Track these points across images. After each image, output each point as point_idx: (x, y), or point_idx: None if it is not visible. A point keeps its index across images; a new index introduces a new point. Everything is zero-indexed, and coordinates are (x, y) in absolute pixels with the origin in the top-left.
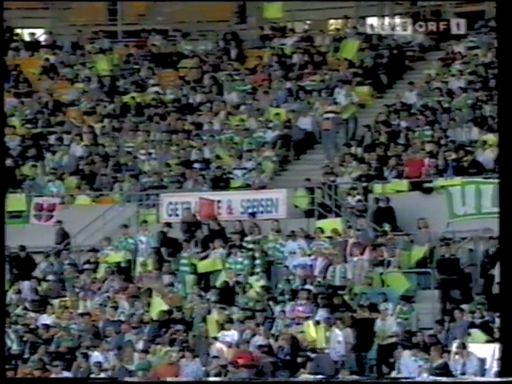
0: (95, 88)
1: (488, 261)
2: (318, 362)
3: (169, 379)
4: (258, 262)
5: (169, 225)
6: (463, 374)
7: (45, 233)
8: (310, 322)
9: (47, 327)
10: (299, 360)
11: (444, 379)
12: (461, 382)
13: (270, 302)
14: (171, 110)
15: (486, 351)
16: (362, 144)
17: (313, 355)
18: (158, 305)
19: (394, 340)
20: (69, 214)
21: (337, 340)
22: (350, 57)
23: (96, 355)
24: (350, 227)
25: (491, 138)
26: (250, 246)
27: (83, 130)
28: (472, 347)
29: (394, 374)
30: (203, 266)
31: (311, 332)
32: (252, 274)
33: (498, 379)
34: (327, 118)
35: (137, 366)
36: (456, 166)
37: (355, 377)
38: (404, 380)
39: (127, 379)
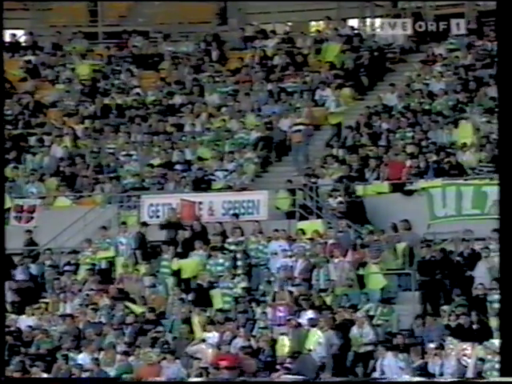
0: (76, 89)
1: (467, 262)
2: (300, 364)
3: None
4: (239, 263)
5: (145, 224)
6: (441, 374)
7: (24, 234)
8: (285, 338)
9: (29, 329)
10: (280, 361)
11: (444, 380)
12: (461, 382)
13: (253, 304)
14: (152, 112)
15: (464, 351)
16: (343, 146)
17: (290, 360)
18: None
19: (370, 348)
20: (49, 215)
21: (318, 342)
22: (331, 59)
23: (81, 357)
24: (331, 228)
25: (470, 139)
26: (232, 247)
27: (64, 131)
28: (450, 347)
29: (376, 375)
30: (186, 268)
31: (284, 347)
32: (234, 275)
33: (498, 379)
34: (298, 130)
35: (118, 368)
36: (437, 167)
37: (337, 378)
38: (394, 381)
39: (131, 380)
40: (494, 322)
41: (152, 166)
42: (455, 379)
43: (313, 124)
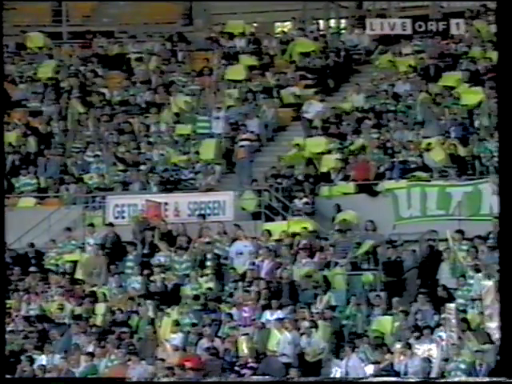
0: (40, 89)
1: (431, 263)
2: (265, 364)
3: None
4: (205, 263)
5: (111, 224)
6: (405, 374)
7: None
8: (243, 338)
9: None
10: (245, 362)
11: (441, 380)
12: (461, 382)
13: (220, 304)
14: (118, 112)
15: (429, 351)
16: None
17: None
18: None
19: (322, 356)
20: (13, 216)
21: (284, 342)
22: (298, 55)
23: (45, 358)
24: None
25: (435, 140)
26: (198, 247)
27: (28, 131)
28: (416, 347)
29: (340, 375)
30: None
31: (243, 347)
32: (202, 275)
33: (499, 379)
34: (242, 146)
35: (83, 369)
36: (402, 168)
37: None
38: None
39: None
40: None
41: (117, 166)
42: (449, 380)
43: (280, 124)
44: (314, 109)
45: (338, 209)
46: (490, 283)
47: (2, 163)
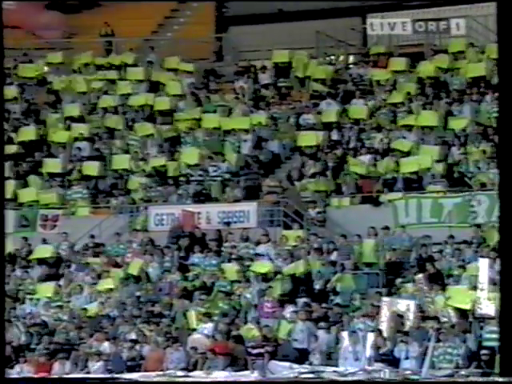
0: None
1: (423, 263)
2: (283, 351)
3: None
4: (234, 264)
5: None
6: (407, 358)
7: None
8: (284, 321)
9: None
10: (268, 349)
11: (441, 379)
12: (460, 382)
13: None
14: (165, 138)
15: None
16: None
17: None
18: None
19: None
20: (71, 223)
21: (299, 330)
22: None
23: (98, 345)
24: (314, 235)
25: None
26: (227, 250)
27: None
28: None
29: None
30: None
31: (283, 329)
32: (229, 274)
33: (499, 379)
34: (270, 193)
35: (128, 354)
36: (403, 182)
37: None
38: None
39: (122, 378)
40: None
41: (158, 180)
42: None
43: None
44: (330, 107)
45: (374, 233)
46: (485, 260)
47: (2, 163)
